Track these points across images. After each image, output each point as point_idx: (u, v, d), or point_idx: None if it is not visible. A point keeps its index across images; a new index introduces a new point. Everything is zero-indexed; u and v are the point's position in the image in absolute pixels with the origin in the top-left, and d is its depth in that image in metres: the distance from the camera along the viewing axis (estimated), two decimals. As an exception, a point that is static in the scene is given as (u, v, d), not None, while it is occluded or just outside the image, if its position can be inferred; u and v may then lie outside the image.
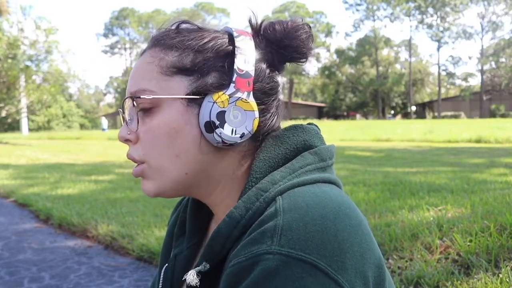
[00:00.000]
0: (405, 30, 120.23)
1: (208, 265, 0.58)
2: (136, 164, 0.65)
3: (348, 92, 60.18)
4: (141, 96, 0.61)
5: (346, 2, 60.98)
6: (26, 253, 3.32)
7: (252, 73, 0.62)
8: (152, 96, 0.61)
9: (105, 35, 68.48)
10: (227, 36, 0.64)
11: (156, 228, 3.46)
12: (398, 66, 62.09)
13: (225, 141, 0.61)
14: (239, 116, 0.61)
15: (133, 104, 0.62)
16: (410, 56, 58.85)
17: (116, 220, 3.84)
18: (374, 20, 59.14)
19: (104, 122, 37.85)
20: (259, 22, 0.67)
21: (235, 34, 0.64)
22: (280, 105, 0.67)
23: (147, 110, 0.62)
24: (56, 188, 5.81)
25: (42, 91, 19.91)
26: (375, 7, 58.38)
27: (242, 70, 0.62)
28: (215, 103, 0.60)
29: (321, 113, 57.71)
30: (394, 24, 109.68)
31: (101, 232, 3.57)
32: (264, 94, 0.64)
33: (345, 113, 59.16)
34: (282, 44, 0.65)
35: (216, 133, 0.60)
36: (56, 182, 6.42)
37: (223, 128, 0.60)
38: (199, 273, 0.58)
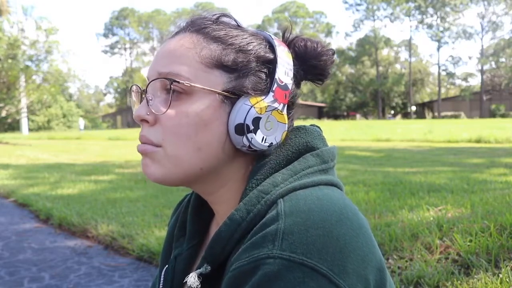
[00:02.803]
0: (405, 30, 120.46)
1: (209, 267, 0.58)
2: (142, 143, 0.63)
3: (348, 92, 60.15)
4: (180, 81, 0.59)
5: (346, 2, 60.98)
6: (26, 253, 3.32)
7: (290, 86, 0.63)
8: (191, 84, 0.59)
9: (105, 35, 68.45)
10: (266, 43, 0.64)
11: (156, 228, 3.46)
12: (398, 66, 62.10)
13: (252, 147, 0.61)
14: (271, 126, 0.61)
15: (170, 87, 0.59)
16: (410, 56, 58.85)
17: (116, 220, 3.84)
18: (374, 20, 59.13)
19: (81, 123, 38.75)
20: (290, 34, 0.68)
21: (276, 43, 0.64)
22: (293, 118, 0.68)
23: (176, 95, 0.60)
24: (56, 188, 5.81)
25: (42, 91, 19.91)
26: (375, 7, 58.38)
27: (282, 82, 0.62)
28: (253, 107, 0.60)
29: (321, 113, 57.69)
30: (394, 24, 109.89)
31: (101, 232, 3.57)
32: (288, 107, 0.65)
33: (345, 113, 59.13)
34: (310, 63, 0.66)
35: (247, 137, 0.60)
36: (56, 182, 6.42)
37: (255, 134, 0.60)
38: (200, 275, 0.58)
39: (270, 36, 0.66)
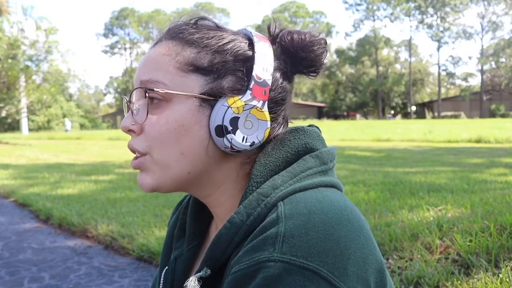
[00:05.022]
0: (405, 30, 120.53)
1: (209, 270, 0.58)
2: (135, 156, 0.64)
3: (348, 92, 60.17)
4: (155, 89, 0.60)
5: (346, 2, 60.97)
6: (26, 253, 3.32)
7: (269, 82, 0.62)
8: (166, 91, 0.60)
9: (105, 35, 68.46)
10: (246, 40, 0.64)
11: (156, 228, 3.46)
12: (398, 66, 62.11)
13: (234, 147, 0.60)
14: (251, 125, 0.61)
15: (145, 95, 0.60)
16: (410, 56, 58.85)
17: (116, 220, 3.83)
18: (374, 20, 59.15)
19: (68, 123, 38.93)
20: (276, 28, 0.67)
21: (255, 39, 0.63)
22: (287, 114, 0.67)
23: (156, 103, 0.61)
24: (56, 188, 5.81)
25: (42, 91, 19.93)
26: (375, 7, 58.39)
27: (260, 78, 0.61)
28: (229, 108, 0.59)
29: (321, 113, 57.69)
30: (394, 24, 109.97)
31: (101, 232, 3.57)
32: (275, 103, 0.64)
33: (345, 113, 59.16)
34: (298, 55, 0.65)
35: (227, 138, 0.60)
36: (56, 182, 6.42)
37: (234, 134, 0.60)
38: (200, 279, 0.58)
39: (251, 33, 0.65)
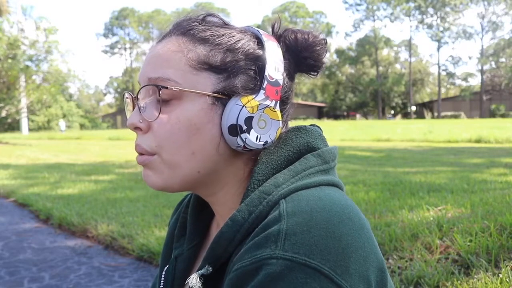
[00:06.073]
0: (405, 30, 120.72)
1: (210, 268, 0.58)
2: (138, 153, 0.63)
3: (348, 92, 60.19)
4: (169, 87, 0.58)
5: (346, 2, 61.05)
6: (26, 253, 3.32)
7: (281, 82, 0.62)
8: (180, 88, 0.59)
9: (105, 35, 68.49)
10: (254, 39, 0.63)
11: (156, 228, 3.46)
12: (398, 66, 62.13)
13: (247, 147, 0.60)
14: (265, 124, 0.61)
15: (158, 92, 0.59)
16: (410, 56, 58.86)
17: (116, 220, 3.83)
18: (374, 20, 59.16)
19: (62, 124, 39.04)
20: (281, 27, 0.67)
21: (264, 38, 0.63)
22: (289, 113, 0.67)
23: (166, 101, 0.60)
24: (56, 188, 5.81)
25: (42, 91, 19.88)
26: (375, 7, 58.41)
27: (273, 78, 0.61)
28: (244, 107, 0.59)
29: (321, 113, 57.70)
30: (394, 24, 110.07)
31: (101, 232, 3.57)
32: (282, 103, 0.64)
33: (345, 113, 59.18)
34: (301, 55, 0.65)
35: (241, 138, 0.59)
36: (56, 182, 6.42)
37: (249, 134, 0.59)
38: (201, 277, 0.58)
39: (258, 31, 0.64)
